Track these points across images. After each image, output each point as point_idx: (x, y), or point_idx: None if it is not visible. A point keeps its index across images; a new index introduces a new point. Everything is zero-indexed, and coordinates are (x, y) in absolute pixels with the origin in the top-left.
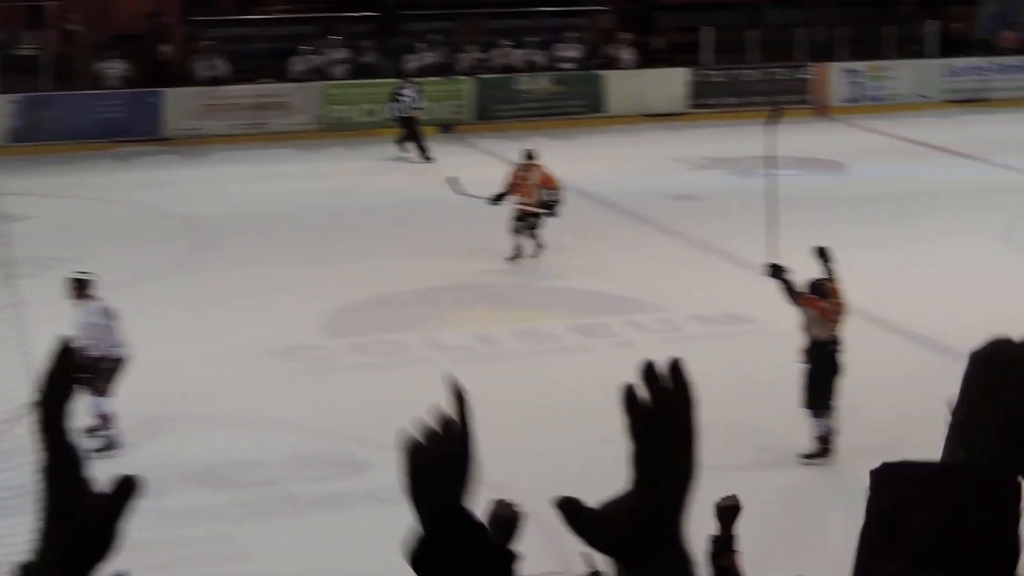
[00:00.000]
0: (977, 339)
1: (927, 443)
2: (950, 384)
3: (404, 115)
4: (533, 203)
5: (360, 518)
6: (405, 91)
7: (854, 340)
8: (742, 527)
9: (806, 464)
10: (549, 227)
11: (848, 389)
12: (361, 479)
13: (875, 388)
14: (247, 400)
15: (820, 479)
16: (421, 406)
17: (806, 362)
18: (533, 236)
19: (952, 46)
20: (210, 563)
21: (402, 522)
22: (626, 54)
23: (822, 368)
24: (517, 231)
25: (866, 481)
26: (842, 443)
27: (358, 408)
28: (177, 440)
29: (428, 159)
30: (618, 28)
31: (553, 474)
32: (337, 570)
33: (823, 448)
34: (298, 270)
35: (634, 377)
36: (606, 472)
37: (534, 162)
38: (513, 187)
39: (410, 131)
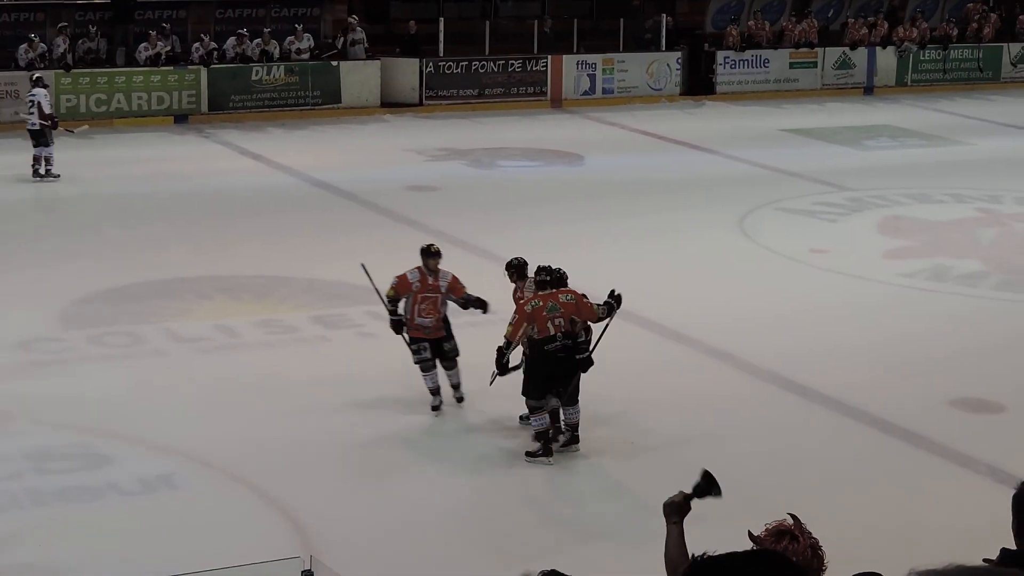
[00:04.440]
0: (711, 325)
1: (656, 422)
2: (671, 363)
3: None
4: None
5: (104, 510)
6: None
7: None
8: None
9: (529, 461)
10: (286, 217)
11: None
12: (103, 471)
13: (613, 377)
14: None
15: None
16: (160, 397)
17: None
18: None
19: (683, 40)
20: None
21: (146, 513)
22: (361, 45)
23: (534, 364)
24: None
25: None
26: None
27: (97, 400)
28: None
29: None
30: (353, 18)
31: (287, 460)
32: (82, 563)
33: (542, 447)
34: (31, 262)
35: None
36: (340, 460)
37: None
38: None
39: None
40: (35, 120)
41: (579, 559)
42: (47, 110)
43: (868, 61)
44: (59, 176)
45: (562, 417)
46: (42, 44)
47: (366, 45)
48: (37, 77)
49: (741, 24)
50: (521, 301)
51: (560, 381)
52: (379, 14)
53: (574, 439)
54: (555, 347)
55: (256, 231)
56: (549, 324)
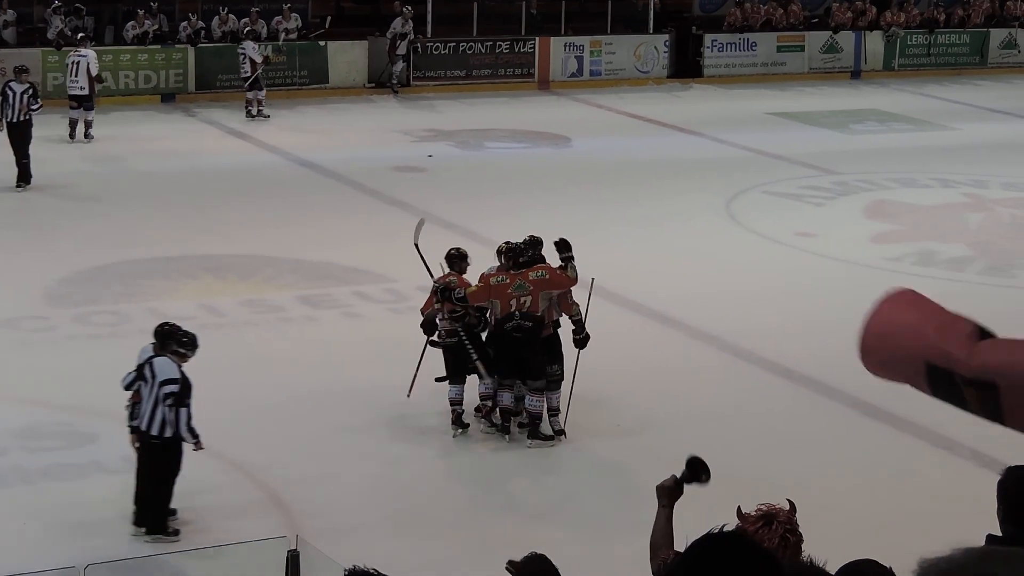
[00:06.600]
0: (696, 307)
1: (636, 398)
2: (659, 347)
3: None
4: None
5: (89, 488)
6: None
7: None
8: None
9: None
10: (272, 197)
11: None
12: (88, 449)
13: (597, 359)
14: None
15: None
16: None
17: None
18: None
19: (671, 23)
20: None
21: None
22: (407, 40)
23: (496, 344)
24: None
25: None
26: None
27: (82, 379)
28: None
29: None
30: (407, 9)
31: (273, 440)
32: (67, 541)
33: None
34: (17, 239)
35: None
36: (326, 441)
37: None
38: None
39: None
40: (248, 69)
41: (563, 543)
42: (258, 59)
43: (855, 45)
44: (269, 116)
45: (526, 404)
46: (11, 11)
47: (411, 37)
48: (248, 30)
49: (729, 8)
50: (486, 273)
51: (525, 365)
52: None
53: (535, 433)
54: (511, 326)
55: (242, 210)
56: (512, 302)
